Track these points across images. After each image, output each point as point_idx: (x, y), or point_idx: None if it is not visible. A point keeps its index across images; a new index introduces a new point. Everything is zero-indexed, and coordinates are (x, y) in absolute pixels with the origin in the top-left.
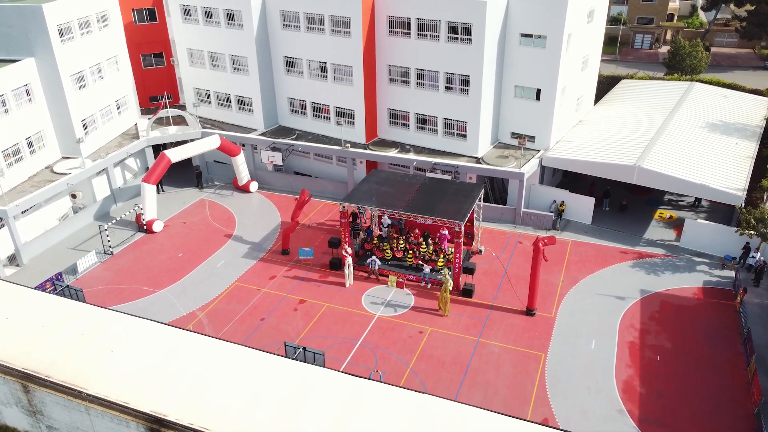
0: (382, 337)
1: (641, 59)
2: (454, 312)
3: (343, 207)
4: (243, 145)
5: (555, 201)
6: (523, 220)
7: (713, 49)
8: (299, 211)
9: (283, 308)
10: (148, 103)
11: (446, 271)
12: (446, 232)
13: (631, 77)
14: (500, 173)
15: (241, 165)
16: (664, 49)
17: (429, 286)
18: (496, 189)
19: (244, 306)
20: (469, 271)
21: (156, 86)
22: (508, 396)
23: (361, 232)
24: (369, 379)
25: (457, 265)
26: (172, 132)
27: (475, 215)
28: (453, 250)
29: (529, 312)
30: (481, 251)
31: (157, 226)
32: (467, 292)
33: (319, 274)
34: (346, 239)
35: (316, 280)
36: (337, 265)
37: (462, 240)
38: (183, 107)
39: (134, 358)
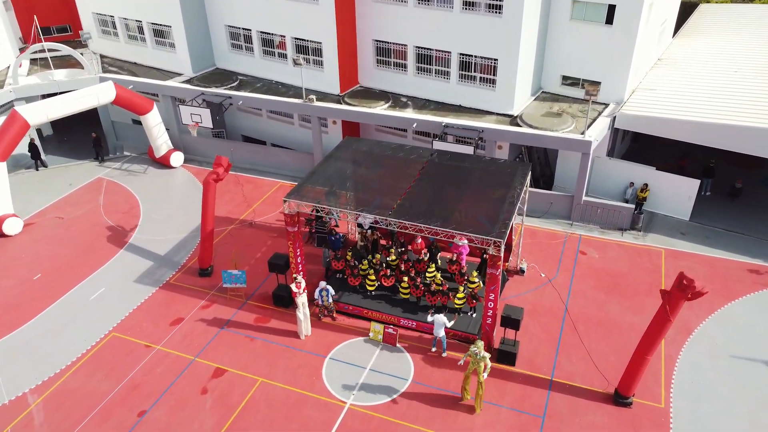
0: None
1: None
2: (486, 396)
3: (287, 207)
4: (157, 98)
5: (632, 184)
6: (584, 215)
7: None
8: (210, 193)
9: (183, 388)
10: (37, 39)
11: (479, 345)
12: (464, 242)
13: (708, 1)
14: (552, 141)
15: (154, 128)
16: None
17: (445, 353)
18: (536, 162)
19: (116, 382)
20: (513, 323)
21: (47, 12)
22: None
23: (358, 236)
24: None
25: (490, 312)
26: (59, 78)
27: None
28: (477, 274)
29: (622, 400)
30: (522, 271)
31: (12, 227)
32: (506, 356)
33: (255, 314)
34: (299, 262)
35: (249, 326)
36: (284, 300)
37: (500, 270)
38: (85, 44)
39: None
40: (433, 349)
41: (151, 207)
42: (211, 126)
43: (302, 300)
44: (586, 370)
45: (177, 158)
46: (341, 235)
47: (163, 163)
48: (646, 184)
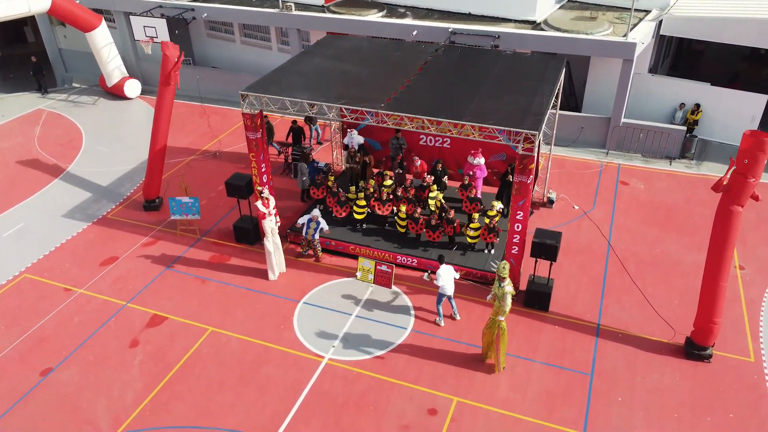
0: (336, 426)
1: None
2: (513, 350)
3: (247, 105)
4: (113, 23)
5: (683, 105)
6: (623, 142)
7: None
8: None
9: (106, 340)
10: None
11: (503, 268)
12: (480, 159)
13: None
14: (586, 46)
15: (103, 49)
16: None
17: (456, 315)
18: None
19: (17, 334)
20: (548, 251)
21: None
22: None
23: (344, 156)
24: None
25: (517, 238)
26: None
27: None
28: (497, 201)
29: (698, 352)
30: (551, 201)
31: None
32: (537, 298)
33: (211, 252)
34: (264, 182)
35: (202, 265)
36: (248, 234)
37: (531, 176)
38: None
39: None
40: (442, 323)
41: (97, 139)
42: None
43: (271, 224)
44: (642, 316)
45: (132, 87)
46: (325, 164)
47: (117, 94)
48: (698, 105)
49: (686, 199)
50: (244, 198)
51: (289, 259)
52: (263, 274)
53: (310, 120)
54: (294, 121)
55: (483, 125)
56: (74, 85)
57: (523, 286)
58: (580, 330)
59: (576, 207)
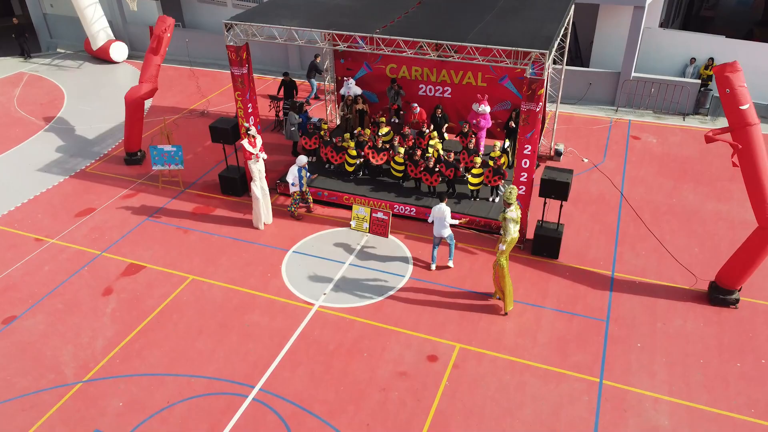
0: (327, 372)
1: None
2: (521, 296)
3: (232, 37)
4: None
5: (694, 60)
6: (633, 98)
7: None
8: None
9: (77, 289)
10: None
11: (510, 192)
12: (485, 107)
13: None
14: None
15: (87, 8)
16: None
17: (451, 261)
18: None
19: None
20: (558, 190)
21: None
22: None
23: (340, 107)
24: None
25: (524, 176)
26: None
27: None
28: (501, 146)
29: (724, 297)
30: (558, 153)
31: None
32: (546, 244)
33: (195, 204)
34: (252, 118)
35: (184, 216)
36: (235, 184)
37: (540, 104)
38: None
39: None
40: (433, 267)
41: (79, 100)
42: None
43: (258, 166)
44: (660, 264)
45: (118, 50)
46: (318, 119)
47: (103, 57)
48: (712, 59)
49: (702, 152)
50: (230, 143)
51: (278, 210)
52: (250, 225)
53: (314, 69)
54: (286, 73)
55: (487, 46)
56: (59, 50)
57: (530, 234)
58: (593, 277)
59: (585, 160)
